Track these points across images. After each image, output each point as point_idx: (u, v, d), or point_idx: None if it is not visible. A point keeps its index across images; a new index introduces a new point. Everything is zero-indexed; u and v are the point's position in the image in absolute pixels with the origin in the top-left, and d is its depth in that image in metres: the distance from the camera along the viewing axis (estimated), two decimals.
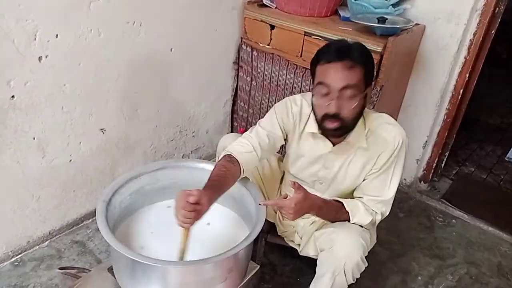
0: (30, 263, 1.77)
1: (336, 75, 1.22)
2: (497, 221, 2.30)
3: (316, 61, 1.28)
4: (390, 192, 1.40)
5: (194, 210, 1.13)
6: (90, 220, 2.00)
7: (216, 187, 1.26)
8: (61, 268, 1.71)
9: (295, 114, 1.44)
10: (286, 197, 1.28)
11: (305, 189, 1.28)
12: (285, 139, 1.50)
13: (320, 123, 1.32)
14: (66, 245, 1.88)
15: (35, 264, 1.77)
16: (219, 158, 1.41)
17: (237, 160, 1.37)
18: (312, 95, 1.32)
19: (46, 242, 1.87)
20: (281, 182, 1.72)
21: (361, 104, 1.27)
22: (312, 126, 1.38)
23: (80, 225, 1.98)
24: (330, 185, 1.49)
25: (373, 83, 1.32)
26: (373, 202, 1.41)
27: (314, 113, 1.34)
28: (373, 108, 1.92)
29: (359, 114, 1.30)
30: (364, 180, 1.43)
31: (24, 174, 1.68)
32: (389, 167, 1.38)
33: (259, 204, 1.33)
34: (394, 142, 1.35)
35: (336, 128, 1.28)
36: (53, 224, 1.88)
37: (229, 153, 1.39)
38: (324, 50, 1.27)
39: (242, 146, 1.40)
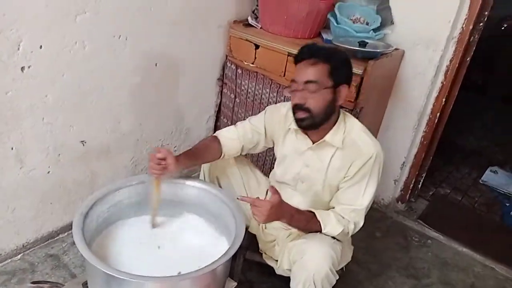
0: (1, 276, 1.72)
1: (301, 71, 1.40)
2: (471, 242, 2.35)
3: (295, 60, 1.45)
4: (363, 202, 1.45)
5: (160, 164, 1.38)
6: (66, 234, 1.96)
7: (190, 154, 1.50)
8: (33, 283, 1.67)
9: (281, 115, 1.58)
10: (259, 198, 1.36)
11: (280, 196, 1.33)
12: (269, 140, 1.62)
13: (294, 116, 1.45)
14: (40, 259, 1.83)
15: (6, 278, 1.72)
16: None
17: (220, 143, 1.57)
18: None
19: (19, 255, 1.82)
20: (266, 195, 1.73)
21: (328, 99, 1.39)
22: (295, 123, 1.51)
23: (55, 238, 1.94)
24: (311, 186, 1.53)
25: (348, 84, 1.44)
26: (346, 211, 1.45)
27: None
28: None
29: (328, 109, 1.41)
30: (339, 189, 1.48)
31: (0, 185, 1.65)
32: (363, 177, 1.43)
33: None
34: (368, 153, 1.42)
35: (303, 118, 1.41)
36: (27, 237, 1.84)
37: (215, 135, 1.61)
38: (300, 49, 1.44)
39: (228, 132, 1.61)
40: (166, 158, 1.37)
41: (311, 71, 1.37)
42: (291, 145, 1.56)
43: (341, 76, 1.41)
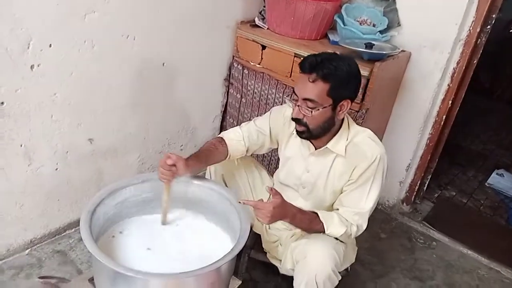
0: (9, 271, 1.74)
1: (301, 85, 1.36)
2: (476, 245, 2.34)
3: (299, 67, 1.40)
4: (367, 205, 1.44)
5: (170, 170, 1.38)
6: (73, 230, 1.98)
7: (199, 157, 1.48)
8: (41, 278, 1.69)
9: (286, 117, 1.56)
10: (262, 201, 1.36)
11: (281, 196, 1.34)
12: (274, 141, 1.62)
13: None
14: (47, 254, 1.86)
15: (14, 272, 1.74)
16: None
17: (226, 144, 1.57)
18: None
19: (27, 251, 1.85)
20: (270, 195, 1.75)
21: (326, 116, 1.38)
22: None
23: (62, 234, 1.96)
24: (312, 190, 1.54)
25: (351, 98, 1.40)
26: (350, 214, 1.45)
27: None
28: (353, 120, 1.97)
29: (326, 124, 1.40)
30: (343, 192, 1.48)
31: (8, 181, 1.67)
32: (366, 180, 1.43)
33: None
34: (372, 156, 1.41)
35: (301, 131, 1.43)
36: (35, 233, 1.86)
37: (221, 136, 1.60)
38: (303, 60, 1.38)
39: (234, 134, 1.60)
40: (176, 163, 1.37)
41: (309, 89, 1.33)
42: (295, 148, 1.56)
43: (343, 93, 1.36)
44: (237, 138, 1.58)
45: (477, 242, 2.37)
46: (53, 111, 1.69)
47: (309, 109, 1.35)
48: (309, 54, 1.43)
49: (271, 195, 1.61)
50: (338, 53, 1.43)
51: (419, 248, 2.30)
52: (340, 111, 1.39)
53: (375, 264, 2.11)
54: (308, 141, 1.50)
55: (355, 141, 1.45)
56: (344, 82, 1.35)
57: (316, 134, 1.42)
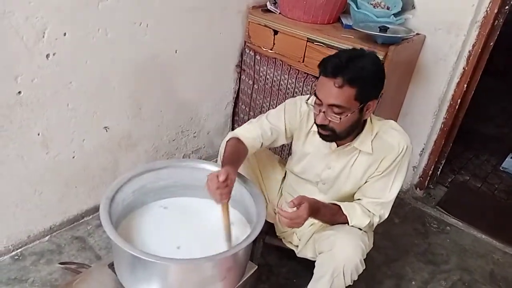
0: (30, 257, 1.79)
1: (326, 91, 1.26)
2: (491, 229, 2.34)
3: (319, 69, 1.31)
4: (390, 195, 1.44)
5: (226, 186, 1.27)
6: (91, 217, 2.02)
7: (234, 162, 1.38)
8: (61, 263, 1.74)
9: (303, 113, 1.50)
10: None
11: (304, 198, 1.31)
12: (289, 137, 1.56)
13: (317, 127, 1.38)
14: (67, 241, 1.90)
15: (35, 258, 1.79)
16: (227, 140, 1.51)
17: (244, 143, 1.49)
18: None
19: (47, 237, 1.89)
20: (282, 182, 1.75)
21: (353, 119, 1.31)
22: None
23: (80, 221, 2.00)
24: (332, 185, 1.53)
25: (377, 97, 1.34)
26: (372, 205, 1.44)
27: None
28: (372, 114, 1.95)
29: (353, 127, 1.35)
30: (366, 182, 1.46)
31: (27, 169, 1.70)
32: (391, 170, 1.41)
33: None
34: (398, 147, 1.39)
35: (327, 135, 1.36)
36: (54, 219, 1.90)
37: (236, 136, 1.51)
38: (324, 62, 1.28)
39: (249, 132, 1.52)
40: (229, 176, 1.26)
41: (335, 95, 1.24)
42: (314, 145, 1.50)
43: (370, 95, 1.30)
44: (252, 136, 1.51)
45: (492, 227, 2.37)
46: (69, 100, 1.71)
47: (336, 115, 1.27)
48: (329, 55, 1.31)
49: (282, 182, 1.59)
50: (359, 47, 1.36)
51: (433, 233, 2.30)
52: (366, 111, 1.33)
53: (389, 248, 2.12)
54: None
55: (380, 135, 1.41)
56: (372, 83, 1.29)
57: (343, 136, 1.37)
